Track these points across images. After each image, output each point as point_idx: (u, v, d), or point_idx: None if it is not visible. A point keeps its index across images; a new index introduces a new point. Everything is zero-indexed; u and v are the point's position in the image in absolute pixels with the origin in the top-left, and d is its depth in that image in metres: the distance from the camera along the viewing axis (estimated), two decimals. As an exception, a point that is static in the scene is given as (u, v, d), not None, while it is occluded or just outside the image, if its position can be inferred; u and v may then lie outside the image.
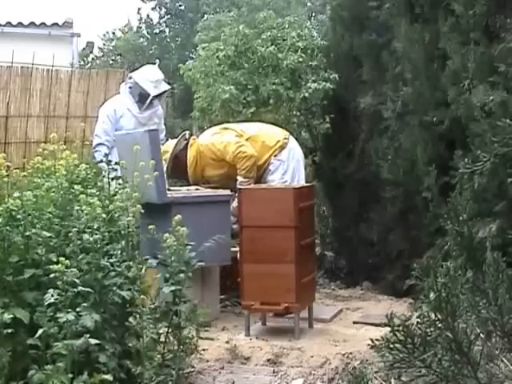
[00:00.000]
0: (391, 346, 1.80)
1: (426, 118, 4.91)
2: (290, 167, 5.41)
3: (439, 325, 1.79)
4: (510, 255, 2.23)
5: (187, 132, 5.78)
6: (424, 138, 5.06)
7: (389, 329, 1.83)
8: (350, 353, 3.98)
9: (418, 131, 5.12)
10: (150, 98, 5.64)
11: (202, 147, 5.48)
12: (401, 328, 1.79)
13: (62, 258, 3.04)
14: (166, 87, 5.85)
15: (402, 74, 5.26)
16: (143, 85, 5.68)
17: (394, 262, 5.59)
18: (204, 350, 3.79)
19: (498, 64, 3.70)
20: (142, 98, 5.66)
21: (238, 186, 5.18)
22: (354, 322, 4.80)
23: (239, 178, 5.29)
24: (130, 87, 5.72)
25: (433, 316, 1.80)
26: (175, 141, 5.62)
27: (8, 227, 3.19)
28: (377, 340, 1.85)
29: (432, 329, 1.79)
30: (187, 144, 5.54)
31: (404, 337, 1.79)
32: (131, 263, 3.35)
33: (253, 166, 5.30)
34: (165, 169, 5.06)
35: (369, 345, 1.90)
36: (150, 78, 5.74)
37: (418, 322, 1.82)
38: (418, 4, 4.99)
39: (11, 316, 3.02)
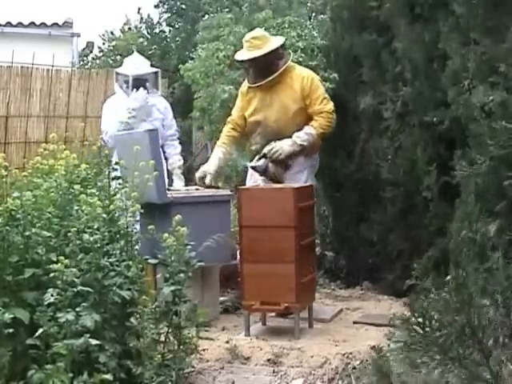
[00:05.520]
0: (409, 327, 1.79)
1: (426, 118, 4.91)
2: None
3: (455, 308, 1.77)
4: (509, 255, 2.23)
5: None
6: (424, 138, 5.06)
7: (389, 328, 1.84)
8: (350, 353, 3.97)
9: (418, 131, 5.12)
10: (131, 78, 5.62)
11: (308, 75, 5.18)
12: (420, 310, 1.78)
13: (61, 258, 3.05)
14: (150, 70, 5.81)
15: (402, 74, 5.25)
16: (122, 70, 5.76)
17: (394, 261, 5.59)
18: (204, 350, 3.79)
19: (498, 64, 3.70)
20: (127, 85, 5.68)
21: (299, 142, 4.99)
22: (354, 322, 4.80)
23: (310, 130, 5.03)
24: (117, 81, 5.79)
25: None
26: (277, 40, 5.28)
27: (8, 227, 3.19)
28: (397, 319, 1.84)
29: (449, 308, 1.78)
30: (283, 55, 5.18)
31: (423, 319, 1.79)
32: (131, 263, 3.35)
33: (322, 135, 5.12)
34: (257, 54, 4.98)
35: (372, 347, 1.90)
36: (127, 61, 5.86)
37: (433, 307, 1.82)
38: (418, 4, 4.98)
39: (11, 316, 3.02)
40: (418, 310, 1.77)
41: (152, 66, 5.98)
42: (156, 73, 5.80)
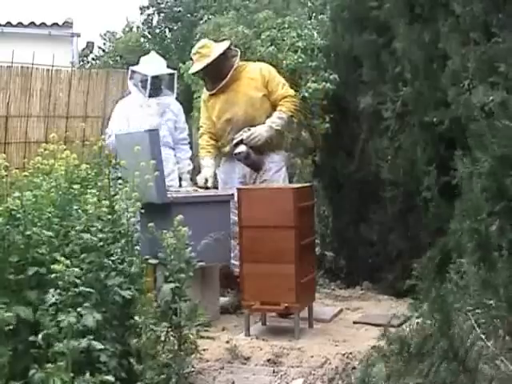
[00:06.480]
0: (386, 358, 1.78)
1: (426, 118, 4.91)
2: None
3: (434, 332, 1.76)
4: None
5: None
6: (424, 138, 5.06)
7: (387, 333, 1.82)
8: (350, 353, 3.97)
9: (418, 131, 5.12)
10: (149, 78, 5.60)
11: (264, 65, 5.38)
12: (396, 339, 1.77)
13: (62, 258, 3.04)
14: (168, 70, 5.80)
15: (402, 74, 5.26)
16: (139, 69, 5.72)
17: (394, 261, 5.59)
18: (204, 349, 3.79)
19: (498, 64, 3.70)
20: (144, 85, 5.66)
21: (274, 126, 5.11)
22: (354, 322, 4.80)
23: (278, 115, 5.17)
24: (132, 79, 5.75)
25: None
26: (222, 44, 5.38)
27: (8, 227, 3.19)
28: (373, 347, 1.83)
29: (428, 334, 1.77)
30: (232, 56, 5.30)
31: (399, 348, 1.77)
32: (132, 262, 3.35)
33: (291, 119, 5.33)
34: (207, 62, 5.15)
35: (372, 347, 1.88)
36: (145, 60, 5.82)
37: (410, 330, 1.80)
38: (418, 4, 4.99)
39: (13, 314, 3.02)
40: (394, 338, 1.75)
41: (168, 67, 5.98)
42: (172, 74, 5.81)
